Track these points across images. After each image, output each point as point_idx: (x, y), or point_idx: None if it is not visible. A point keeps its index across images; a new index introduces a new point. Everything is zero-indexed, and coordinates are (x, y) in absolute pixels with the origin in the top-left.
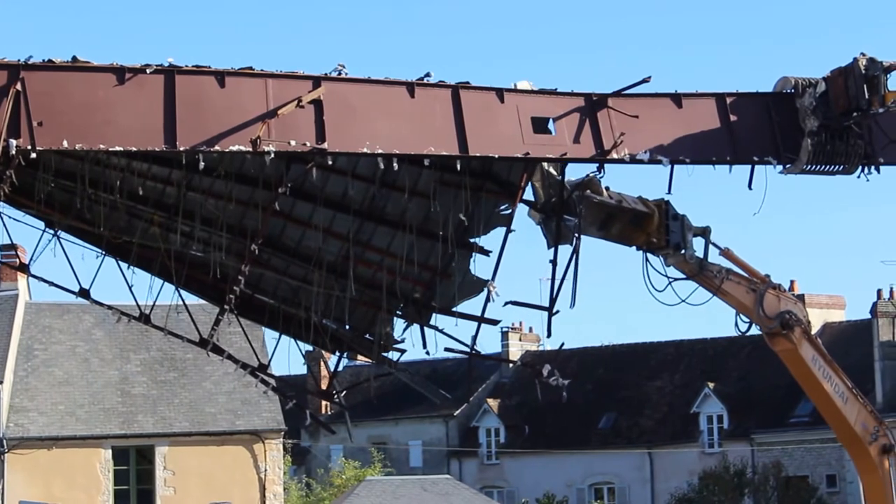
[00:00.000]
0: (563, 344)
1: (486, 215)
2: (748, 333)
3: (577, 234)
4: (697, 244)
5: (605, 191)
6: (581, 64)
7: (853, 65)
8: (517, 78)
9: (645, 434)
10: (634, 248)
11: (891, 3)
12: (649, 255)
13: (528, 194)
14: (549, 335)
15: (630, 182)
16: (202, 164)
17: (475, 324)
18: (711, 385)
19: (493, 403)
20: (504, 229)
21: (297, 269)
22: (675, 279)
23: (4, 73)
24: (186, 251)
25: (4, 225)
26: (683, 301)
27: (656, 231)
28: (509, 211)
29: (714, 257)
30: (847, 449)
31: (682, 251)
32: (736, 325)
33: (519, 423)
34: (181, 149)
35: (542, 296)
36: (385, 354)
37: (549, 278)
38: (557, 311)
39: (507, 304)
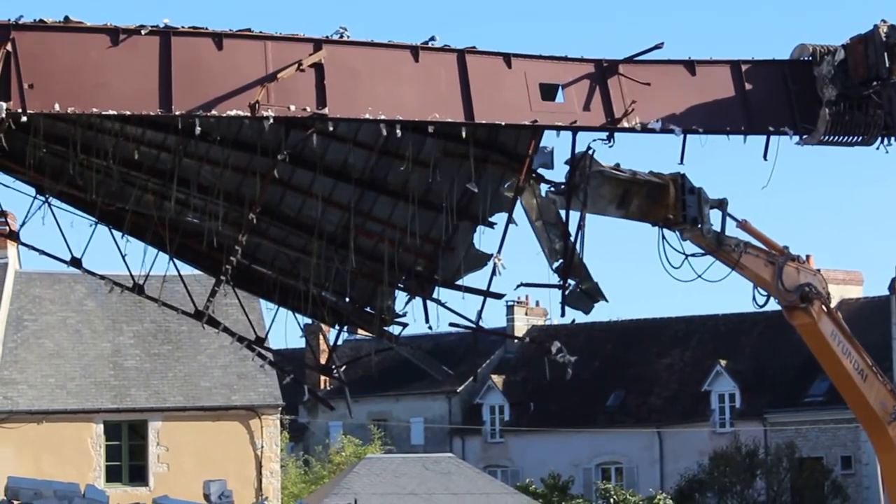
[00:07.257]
0: (574, 320)
1: (492, 192)
2: (764, 308)
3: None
4: (714, 217)
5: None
6: (592, 29)
7: (873, 32)
8: (525, 44)
9: (654, 413)
10: (651, 224)
11: None
12: (665, 231)
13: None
14: (563, 314)
15: (641, 153)
16: (198, 130)
17: (480, 297)
18: (723, 363)
19: (497, 380)
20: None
21: (295, 239)
22: (692, 254)
23: None
24: (181, 219)
25: None
26: (699, 276)
27: (673, 206)
28: (512, 193)
29: (731, 230)
30: (865, 428)
31: (700, 225)
32: (754, 298)
33: (524, 401)
34: (177, 113)
35: (548, 270)
36: (386, 328)
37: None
38: (570, 287)
39: (518, 286)
